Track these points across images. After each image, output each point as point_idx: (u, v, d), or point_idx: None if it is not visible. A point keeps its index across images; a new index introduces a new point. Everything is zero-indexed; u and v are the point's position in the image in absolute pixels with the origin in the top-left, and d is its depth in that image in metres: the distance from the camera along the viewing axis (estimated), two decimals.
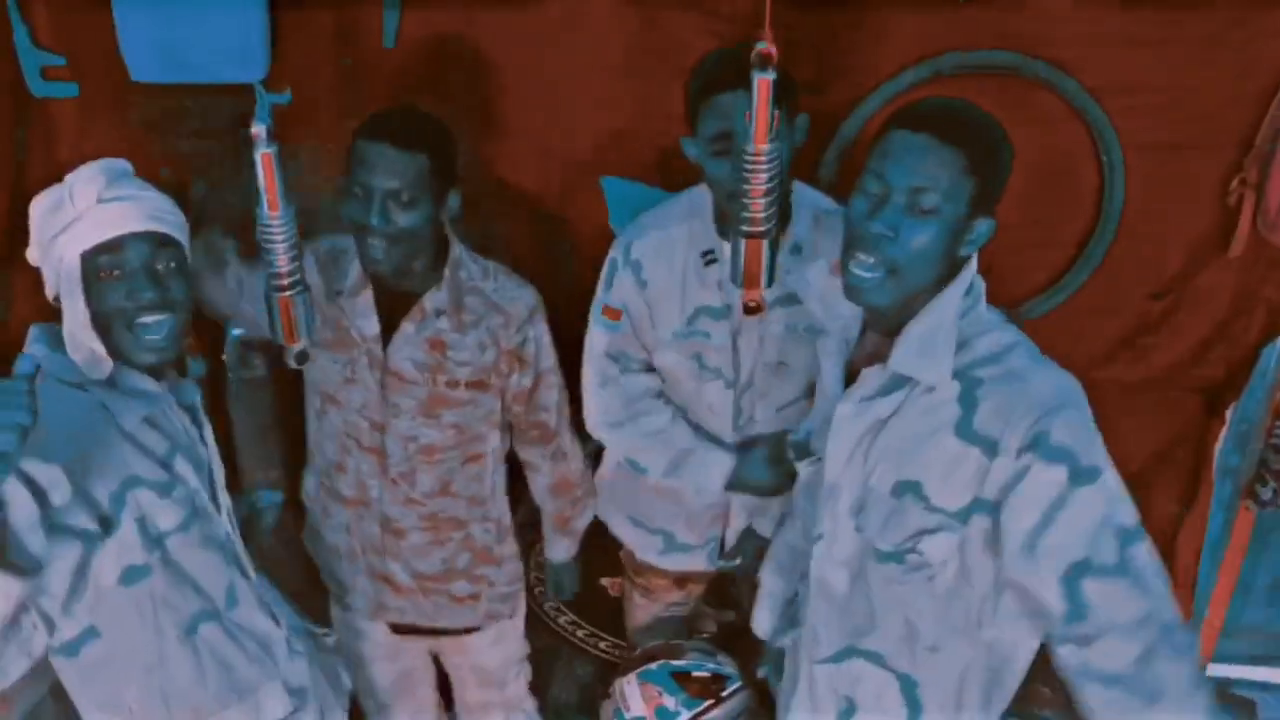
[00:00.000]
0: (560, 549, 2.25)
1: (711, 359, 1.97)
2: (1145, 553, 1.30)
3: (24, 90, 2.09)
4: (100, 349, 1.43)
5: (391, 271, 1.79)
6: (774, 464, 1.97)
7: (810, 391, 2.02)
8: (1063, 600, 1.27)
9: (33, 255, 1.49)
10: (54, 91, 2.11)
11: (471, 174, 2.22)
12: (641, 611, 2.35)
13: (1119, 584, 1.26)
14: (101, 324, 1.42)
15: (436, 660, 2.31)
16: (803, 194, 1.93)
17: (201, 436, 1.59)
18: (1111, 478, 1.31)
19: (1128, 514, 1.31)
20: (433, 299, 1.88)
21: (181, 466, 1.50)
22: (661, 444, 2.03)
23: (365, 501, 2.00)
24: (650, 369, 2.05)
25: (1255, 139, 2.09)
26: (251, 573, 1.67)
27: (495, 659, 2.22)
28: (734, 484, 2.02)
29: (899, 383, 1.42)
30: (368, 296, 1.87)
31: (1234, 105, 2.09)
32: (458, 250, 1.92)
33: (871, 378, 1.45)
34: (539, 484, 2.17)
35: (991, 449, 1.32)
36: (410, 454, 1.95)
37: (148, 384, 1.47)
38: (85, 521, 1.36)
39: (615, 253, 1.99)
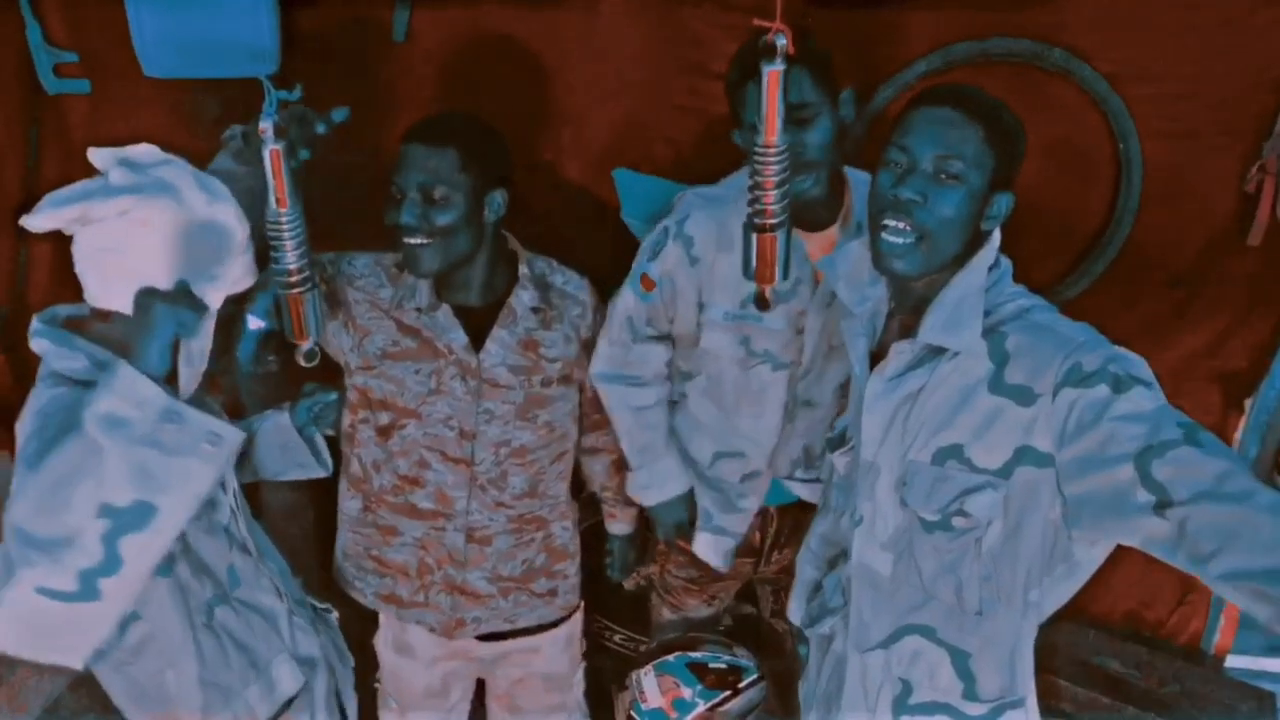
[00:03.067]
0: (625, 522, 2.28)
1: (760, 343, 1.93)
2: (1212, 436, 1.25)
3: (37, 87, 2.10)
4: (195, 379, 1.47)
5: (434, 273, 1.79)
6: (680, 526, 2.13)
7: None
8: (1146, 491, 1.23)
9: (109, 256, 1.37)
10: (67, 88, 2.11)
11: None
12: (667, 620, 2.35)
13: (1189, 453, 1.22)
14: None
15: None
16: (851, 173, 1.90)
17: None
18: (1158, 391, 1.30)
19: (1183, 415, 1.28)
20: (519, 298, 1.90)
21: None
22: (635, 423, 2.04)
23: (448, 514, 1.97)
24: (663, 340, 2.02)
25: (1274, 126, 2.07)
26: (253, 548, 1.67)
27: (565, 663, 2.21)
28: (656, 507, 2.11)
29: (929, 355, 1.44)
30: (447, 310, 1.87)
31: (1252, 92, 2.07)
32: (518, 247, 1.95)
33: (900, 353, 1.47)
34: (604, 463, 2.20)
35: (1024, 397, 1.34)
36: (501, 459, 1.95)
37: (158, 388, 1.46)
38: None
39: (668, 222, 1.93)
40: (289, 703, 1.68)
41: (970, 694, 1.52)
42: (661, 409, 2.08)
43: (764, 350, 1.94)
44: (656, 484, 2.09)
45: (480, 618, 2.05)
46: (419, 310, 1.86)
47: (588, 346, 2.00)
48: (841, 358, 1.96)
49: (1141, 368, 1.32)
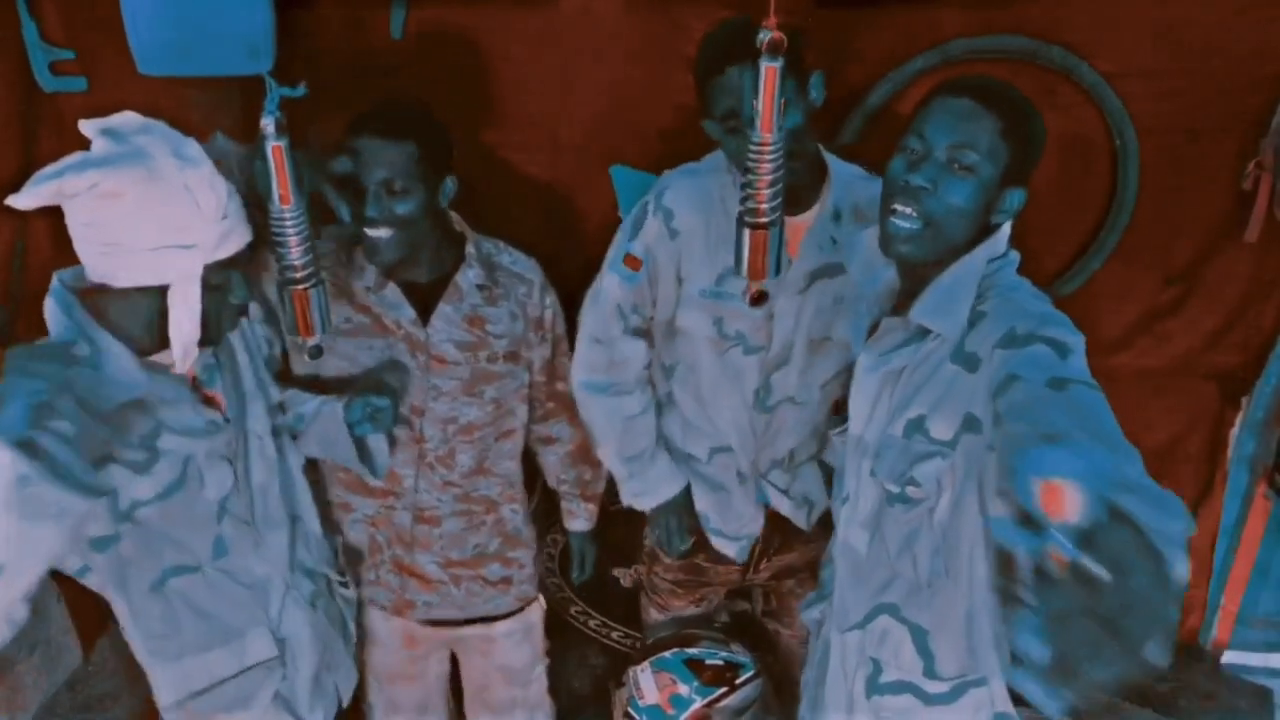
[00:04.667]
0: (583, 518, 2.28)
1: (732, 324, 1.91)
2: (1094, 395, 1.17)
3: (34, 85, 2.10)
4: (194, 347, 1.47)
5: (395, 262, 1.80)
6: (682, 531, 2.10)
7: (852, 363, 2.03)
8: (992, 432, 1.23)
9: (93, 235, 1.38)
10: (63, 86, 2.11)
11: (480, 163, 2.23)
12: (656, 621, 2.34)
13: (1026, 388, 1.18)
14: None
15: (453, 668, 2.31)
16: (833, 161, 1.89)
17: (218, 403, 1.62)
18: (1072, 356, 1.26)
19: (1085, 375, 1.22)
20: (465, 276, 1.91)
21: (169, 442, 1.51)
22: (624, 432, 2.01)
23: (396, 492, 1.99)
24: (645, 334, 1.99)
25: (1270, 123, 2.07)
26: (257, 520, 1.67)
27: (523, 656, 2.22)
28: (657, 509, 2.08)
29: (918, 335, 1.45)
30: (394, 288, 1.88)
31: (1249, 89, 2.07)
32: (465, 227, 1.95)
33: (891, 329, 1.49)
34: (559, 455, 2.20)
35: (972, 364, 1.36)
36: (449, 435, 1.96)
37: (132, 371, 1.45)
38: None
39: (647, 198, 1.91)
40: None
41: (930, 671, 1.55)
42: (650, 415, 2.05)
43: (736, 332, 1.92)
44: (651, 489, 2.07)
45: (431, 602, 2.07)
46: (368, 289, 1.88)
47: (536, 325, 2.00)
48: (828, 354, 1.95)
49: (1064, 332, 1.29)
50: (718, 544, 2.12)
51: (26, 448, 1.25)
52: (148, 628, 1.60)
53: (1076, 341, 1.29)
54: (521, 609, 2.18)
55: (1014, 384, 1.21)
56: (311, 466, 1.90)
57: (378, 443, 1.90)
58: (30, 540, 1.25)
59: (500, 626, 2.16)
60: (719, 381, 1.97)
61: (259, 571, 1.67)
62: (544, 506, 2.36)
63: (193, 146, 1.42)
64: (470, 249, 1.93)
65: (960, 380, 1.37)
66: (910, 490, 1.45)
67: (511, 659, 2.21)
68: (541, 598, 2.24)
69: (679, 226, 1.87)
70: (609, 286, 1.94)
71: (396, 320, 1.89)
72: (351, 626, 1.94)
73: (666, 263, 1.90)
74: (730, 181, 1.85)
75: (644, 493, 2.07)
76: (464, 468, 2.00)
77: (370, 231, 1.75)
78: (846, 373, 1.95)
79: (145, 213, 1.36)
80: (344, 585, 1.91)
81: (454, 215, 1.95)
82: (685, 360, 2.00)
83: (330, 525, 1.99)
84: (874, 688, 1.59)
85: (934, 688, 1.55)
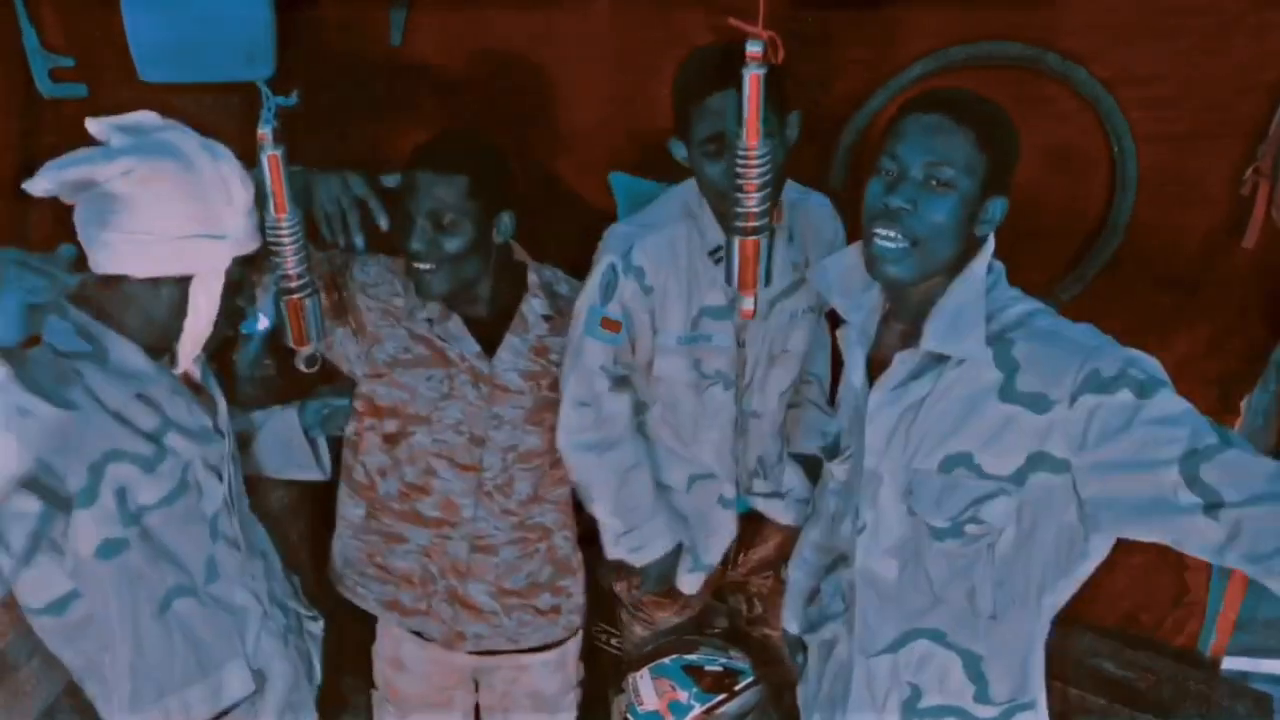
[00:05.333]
0: None
1: (711, 363, 1.92)
2: (1237, 434, 1.28)
3: (33, 91, 2.10)
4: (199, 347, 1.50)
5: (444, 296, 1.80)
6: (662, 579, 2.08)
7: (802, 373, 2.07)
8: (1193, 493, 1.24)
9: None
10: (63, 92, 2.11)
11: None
12: (641, 637, 2.32)
13: (1236, 455, 1.23)
14: None
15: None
16: (790, 186, 1.89)
17: (214, 410, 1.62)
18: (1174, 389, 1.30)
19: (1187, 408, 1.29)
20: (530, 306, 1.92)
21: (174, 441, 1.50)
22: (620, 485, 1.96)
23: (454, 522, 1.97)
24: (627, 384, 1.95)
25: (1269, 128, 2.07)
26: (243, 545, 1.65)
27: (555, 684, 2.19)
28: (648, 568, 2.05)
29: (932, 363, 1.44)
30: (458, 320, 1.88)
31: (1246, 95, 2.07)
32: (525, 256, 1.95)
33: (903, 362, 1.47)
34: None
35: (1039, 405, 1.33)
36: (508, 464, 1.96)
37: (140, 363, 1.46)
38: (52, 482, 1.35)
39: (611, 258, 1.84)
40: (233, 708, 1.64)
41: (982, 696, 1.52)
42: (646, 467, 2.00)
43: (715, 371, 1.93)
44: (649, 544, 2.02)
45: (481, 634, 2.05)
46: (430, 321, 1.87)
47: None
48: (781, 365, 1.98)
49: (1157, 368, 1.31)
50: (696, 581, 2.11)
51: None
52: (145, 658, 1.53)
53: (1160, 367, 1.31)
54: (564, 640, 2.15)
55: (1219, 454, 1.23)
56: (298, 503, 1.91)
57: (323, 445, 1.93)
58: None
59: (535, 656, 2.13)
60: (700, 418, 1.99)
61: (239, 600, 1.64)
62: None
63: (220, 145, 1.45)
64: (533, 278, 1.93)
65: (1022, 420, 1.34)
66: (970, 528, 1.42)
67: (543, 685, 2.18)
68: (580, 628, 2.20)
69: (652, 282, 1.85)
70: (589, 351, 1.87)
71: (460, 353, 1.88)
72: (317, 667, 1.88)
73: (643, 317, 1.88)
74: (694, 230, 1.86)
75: (643, 546, 2.02)
76: (522, 495, 1.99)
77: (418, 265, 1.75)
78: (799, 380, 2.03)
79: (180, 200, 1.38)
80: (313, 619, 1.87)
81: (514, 244, 1.93)
82: (663, 400, 1.99)
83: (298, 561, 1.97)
84: (912, 711, 1.57)
85: (984, 712, 1.53)
